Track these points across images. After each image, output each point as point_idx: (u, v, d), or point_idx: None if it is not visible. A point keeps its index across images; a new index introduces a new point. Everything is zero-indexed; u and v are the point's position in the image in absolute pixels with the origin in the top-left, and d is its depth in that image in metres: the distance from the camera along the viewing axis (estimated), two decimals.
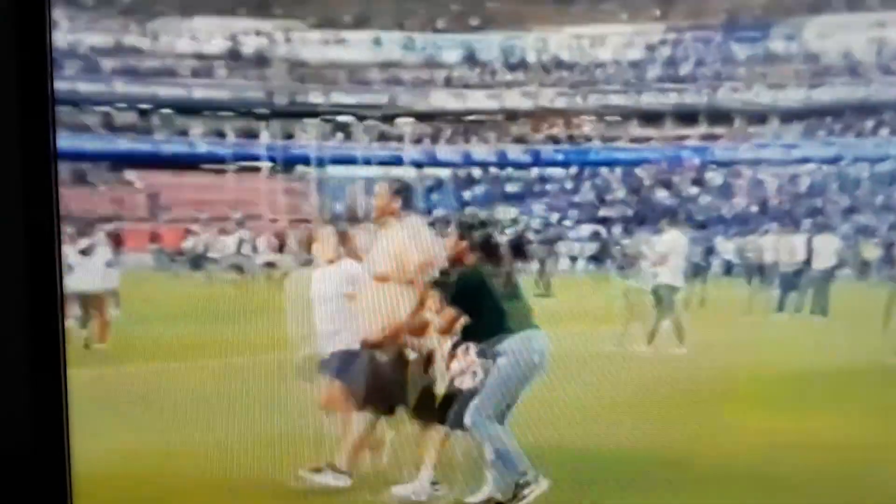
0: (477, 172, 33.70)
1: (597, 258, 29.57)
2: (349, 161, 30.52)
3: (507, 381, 4.55)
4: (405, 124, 30.43)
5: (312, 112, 31.52)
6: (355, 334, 5.04)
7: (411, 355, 4.89)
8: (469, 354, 4.72)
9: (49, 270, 1.68)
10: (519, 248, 27.50)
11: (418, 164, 32.20)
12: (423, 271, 4.80)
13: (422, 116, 32.00)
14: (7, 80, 1.47)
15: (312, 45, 32.35)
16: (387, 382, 4.77)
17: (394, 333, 4.84)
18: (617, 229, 30.77)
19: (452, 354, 4.82)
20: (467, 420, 4.65)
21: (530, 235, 28.16)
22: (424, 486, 4.94)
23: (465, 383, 4.75)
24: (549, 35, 34.09)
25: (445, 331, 4.57)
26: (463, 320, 4.43)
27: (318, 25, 32.26)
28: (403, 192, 5.14)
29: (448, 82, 33.03)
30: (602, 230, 31.15)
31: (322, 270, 5.25)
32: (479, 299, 4.51)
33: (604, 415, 7.06)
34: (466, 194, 33.01)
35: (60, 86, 26.65)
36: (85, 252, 10.43)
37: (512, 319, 4.71)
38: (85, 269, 10.26)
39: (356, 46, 32.48)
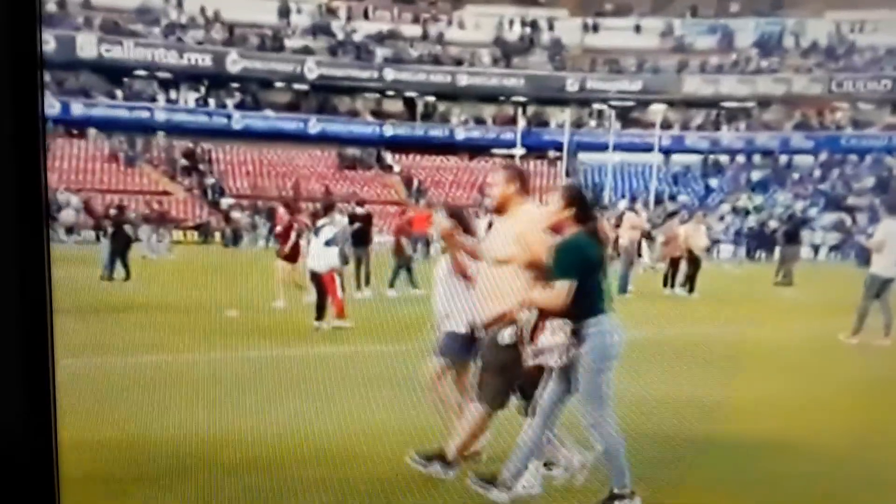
0: (724, 159, 33.54)
1: (839, 247, 29.16)
2: (600, 147, 30.93)
3: (593, 370, 4.40)
4: (657, 111, 30.46)
5: (568, 99, 32.01)
6: (466, 319, 5.12)
7: (507, 338, 4.60)
8: (560, 331, 4.57)
9: (38, 257, 1.81)
10: (762, 236, 27.48)
11: (667, 151, 32.34)
12: (545, 254, 4.65)
13: (674, 103, 31.98)
14: None
15: (573, 32, 32.65)
16: (496, 372, 4.74)
17: (507, 316, 4.64)
18: (862, 218, 30.11)
19: (540, 327, 4.61)
20: (587, 421, 4.58)
21: (774, 223, 27.91)
22: (535, 475, 4.79)
23: (550, 361, 4.58)
24: (808, 19, 33.19)
25: (551, 304, 4.32)
26: (567, 294, 4.17)
27: (581, 13, 32.49)
28: (519, 177, 5.21)
29: (702, 68, 32.74)
30: (847, 219, 30.57)
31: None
32: (579, 273, 4.30)
33: (810, 407, 6.82)
34: (713, 181, 32.92)
35: (335, 72, 27.98)
36: (317, 233, 10.82)
37: (605, 301, 4.49)
38: (314, 248, 10.63)
39: (616, 33, 32.55)
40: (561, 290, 4.32)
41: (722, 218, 29.96)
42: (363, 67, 31.01)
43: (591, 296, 4.36)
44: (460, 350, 4.89)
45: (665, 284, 15.87)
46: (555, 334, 4.38)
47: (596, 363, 4.35)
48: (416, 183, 30.95)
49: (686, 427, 5.59)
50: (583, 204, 4.52)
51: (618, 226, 16.29)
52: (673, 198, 30.77)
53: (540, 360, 4.43)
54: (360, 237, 14.30)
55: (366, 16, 31.72)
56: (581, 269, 4.36)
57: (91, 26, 28.18)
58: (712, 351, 8.92)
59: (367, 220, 14.91)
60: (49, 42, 27.84)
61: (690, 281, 15.47)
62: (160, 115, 29.43)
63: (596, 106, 32.69)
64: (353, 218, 14.72)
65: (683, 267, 15.84)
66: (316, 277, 10.29)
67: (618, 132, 31.64)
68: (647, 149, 30.77)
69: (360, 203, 15.94)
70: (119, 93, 29.05)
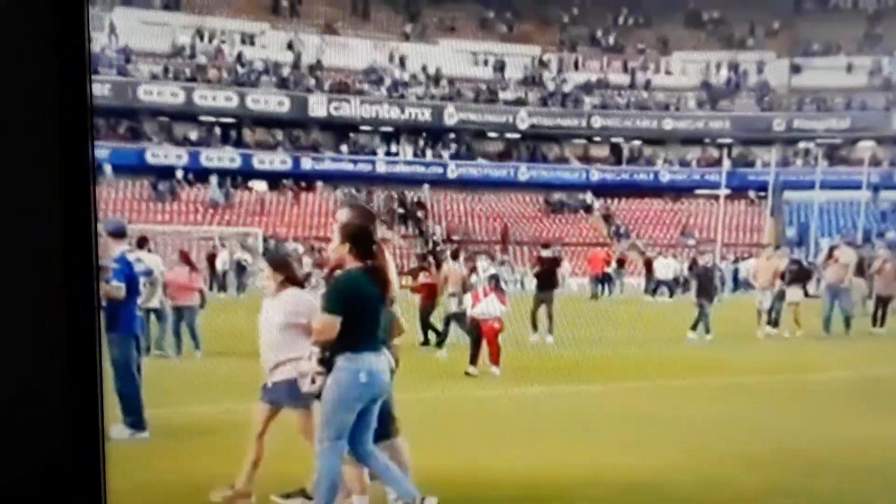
0: None
1: None
2: (806, 186, 30.77)
3: (333, 403, 4.41)
4: (866, 148, 30.17)
5: (774, 138, 32.08)
6: (296, 363, 5.11)
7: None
8: (311, 359, 4.69)
9: (89, 299, 1.80)
10: None
11: (876, 188, 31.88)
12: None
13: (883, 140, 31.56)
14: (47, 88, 1.61)
15: (780, 73, 32.73)
16: None
17: None
18: None
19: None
20: (316, 446, 4.71)
21: None
22: None
23: (304, 386, 4.72)
24: None
25: (317, 337, 4.41)
26: (334, 327, 4.19)
27: (788, 54, 32.57)
28: (366, 216, 5.12)
29: None
30: None
31: (268, 300, 5.43)
32: (344, 309, 4.30)
33: None
34: None
35: (545, 121, 28.78)
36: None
37: (372, 339, 4.48)
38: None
39: (823, 73, 32.41)
40: (332, 322, 4.42)
41: None
42: (572, 116, 32.03)
43: (355, 332, 4.43)
44: (293, 396, 4.90)
45: (874, 324, 15.97)
46: (309, 360, 4.52)
47: (337, 397, 4.42)
48: (619, 225, 31.57)
49: None
50: (361, 241, 4.57)
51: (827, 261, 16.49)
52: (881, 235, 30.37)
53: (299, 384, 4.59)
54: (545, 280, 13.89)
55: (576, 66, 32.71)
56: (347, 306, 4.44)
57: (321, 87, 30.11)
58: None
59: (552, 263, 14.48)
60: (284, 103, 29.93)
61: None
62: (381, 167, 31.10)
63: (802, 144, 32.64)
64: (537, 261, 14.73)
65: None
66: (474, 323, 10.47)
67: (824, 170, 31.44)
68: (855, 186, 30.46)
69: (545, 245, 15.57)
70: (344, 147, 30.86)
